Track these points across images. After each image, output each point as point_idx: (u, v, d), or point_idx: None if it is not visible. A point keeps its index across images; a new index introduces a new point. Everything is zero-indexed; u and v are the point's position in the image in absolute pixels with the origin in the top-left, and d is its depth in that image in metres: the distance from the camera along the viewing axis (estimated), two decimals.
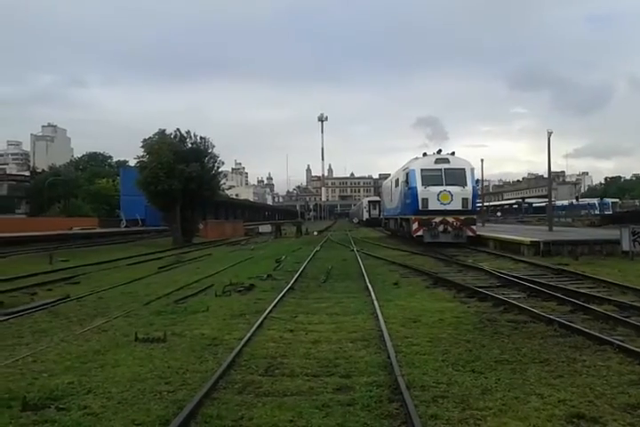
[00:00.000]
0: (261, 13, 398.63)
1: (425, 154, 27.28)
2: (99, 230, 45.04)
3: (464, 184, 24.50)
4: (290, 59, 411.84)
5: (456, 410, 4.64)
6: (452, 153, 26.14)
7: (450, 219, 23.83)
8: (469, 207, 24.43)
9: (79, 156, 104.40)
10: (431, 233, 23.84)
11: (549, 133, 27.78)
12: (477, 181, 29.19)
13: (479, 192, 36.34)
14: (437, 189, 24.23)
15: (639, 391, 4.96)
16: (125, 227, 52.65)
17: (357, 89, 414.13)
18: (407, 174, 26.19)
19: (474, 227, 24.41)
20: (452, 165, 25.11)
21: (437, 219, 23.89)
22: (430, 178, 24.55)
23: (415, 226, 24.36)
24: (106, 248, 29.66)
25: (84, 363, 6.20)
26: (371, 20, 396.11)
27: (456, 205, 23.99)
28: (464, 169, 25.03)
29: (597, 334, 6.87)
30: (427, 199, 24.18)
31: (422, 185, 24.50)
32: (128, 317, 9.04)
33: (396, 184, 30.78)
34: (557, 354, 6.24)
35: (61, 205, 63.36)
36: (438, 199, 24.07)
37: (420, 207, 24.28)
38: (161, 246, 29.36)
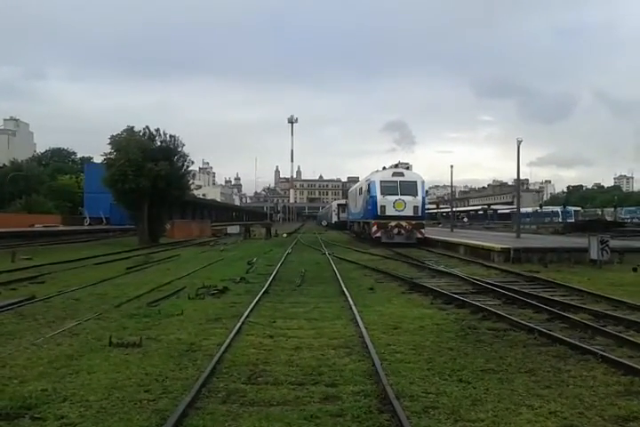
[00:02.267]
0: (234, 14, 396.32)
1: (384, 168, 33.12)
2: (62, 228, 43.88)
3: (415, 194, 29.08)
4: (261, 60, 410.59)
5: (448, 422, 4.55)
6: (407, 168, 32.21)
7: (403, 223, 28.21)
8: (419, 214, 28.98)
9: (42, 151, 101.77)
10: (387, 235, 28.09)
11: (519, 142, 28.04)
12: (427, 191, 33.34)
13: (427, 201, 41.34)
14: (393, 197, 28.62)
15: (628, 403, 4.97)
16: (89, 225, 51.44)
17: (328, 92, 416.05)
18: (369, 185, 30.56)
19: (423, 230, 28.87)
20: (406, 178, 29.98)
21: (393, 223, 28.20)
22: (388, 188, 28.97)
23: (374, 229, 28.56)
24: (70, 247, 28.92)
25: (57, 369, 5.91)
26: (343, 25, 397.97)
27: (408, 211, 28.49)
28: (416, 182, 29.71)
29: (579, 343, 6.89)
30: (384, 206, 28.56)
31: (381, 194, 28.86)
32: (99, 319, 8.72)
33: (360, 192, 34.92)
34: (542, 364, 6.23)
35: (23, 201, 61.49)
36: (394, 206, 28.44)
37: (379, 213, 28.63)
38: (127, 246, 28.73)
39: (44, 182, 70.53)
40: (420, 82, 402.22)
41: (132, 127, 33.05)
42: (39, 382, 5.41)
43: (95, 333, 7.69)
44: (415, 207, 28.64)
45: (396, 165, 33.87)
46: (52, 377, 5.61)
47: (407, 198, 28.67)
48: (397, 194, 28.73)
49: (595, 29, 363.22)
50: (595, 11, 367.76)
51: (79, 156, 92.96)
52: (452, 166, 43.31)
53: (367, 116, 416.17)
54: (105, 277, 14.21)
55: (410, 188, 29.07)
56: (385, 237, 28.09)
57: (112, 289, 12.29)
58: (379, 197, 28.79)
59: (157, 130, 34.21)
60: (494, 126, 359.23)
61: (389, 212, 28.43)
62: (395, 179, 29.52)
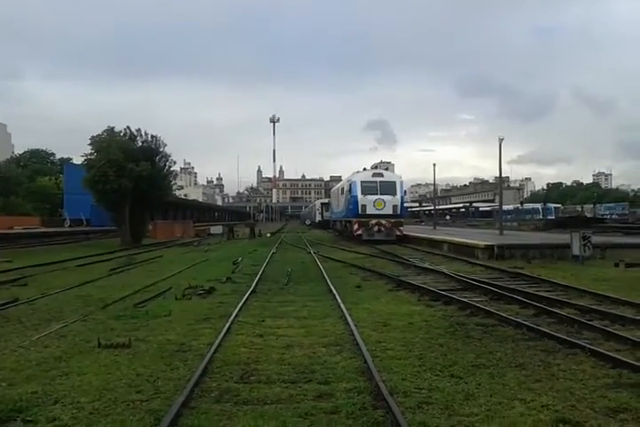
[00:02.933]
0: (216, 13, 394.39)
1: (365, 169, 34.66)
2: (42, 230, 43.25)
3: (394, 194, 30.32)
4: (243, 59, 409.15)
5: (443, 416, 4.58)
6: (387, 168, 34.72)
7: (383, 221, 29.46)
8: (398, 212, 30.23)
9: (20, 152, 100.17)
10: (368, 232, 29.36)
11: (500, 140, 28.30)
12: (405, 191, 35.51)
13: (407, 200, 45.35)
14: (373, 197, 29.80)
15: (617, 395, 5.04)
16: (69, 227, 50.77)
17: (310, 92, 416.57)
18: (350, 185, 31.78)
19: (401, 228, 30.16)
20: (386, 178, 31.47)
21: (373, 221, 29.46)
22: (368, 188, 30.18)
23: (356, 227, 29.96)
24: (51, 249, 28.50)
25: (46, 371, 5.84)
26: (325, 26, 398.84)
27: (388, 210, 29.68)
28: (395, 182, 31.17)
29: (567, 337, 6.98)
30: (365, 205, 29.77)
31: (362, 194, 30.05)
32: (85, 321, 8.63)
33: (342, 192, 35.97)
34: (531, 358, 6.30)
35: (1, 204, 60.51)
36: (374, 206, 29.64)
37: (360, 212, 29.87)
38: (109, 247, 28.43)
39: (23, 184, 69.44)
40: (401, 81, 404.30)
41: (113, 128, 32.65)
42: (29, 385, 5.34)
43: (82, 334, 7.60)
44: (394, 206, 29.90)
45: (376, 167, 36.97)
46: (41, 379, 5.53)
47: (387, 198, 29.88)
48: (377, 193, 30.00)
49: (572, 28, 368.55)
50: (572, 10, 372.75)
51: (58, 157, 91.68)
52: (434, 165, 43.52)
53: (349, 115, 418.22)
54: (88, 279, 14.04)
55: (389, 188, 30.38)
56: (366, 234, 29.30)
57: (96, 291, 12.14)
58: (359, 196, 30.03)
59: (138, 130, 33.83)
60: (475, 125, 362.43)
61: (370, 210, 29.65)
62: (375, 179, 30.89)
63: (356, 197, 30.20)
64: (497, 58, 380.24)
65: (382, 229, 29.33)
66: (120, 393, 5.13)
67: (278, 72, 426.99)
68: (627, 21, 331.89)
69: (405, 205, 37.11)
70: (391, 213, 29.75)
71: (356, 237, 29.85)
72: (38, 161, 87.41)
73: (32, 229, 42.86)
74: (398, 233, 29.56)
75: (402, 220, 31.03)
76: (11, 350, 6.68)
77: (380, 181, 30.55)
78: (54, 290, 12.06)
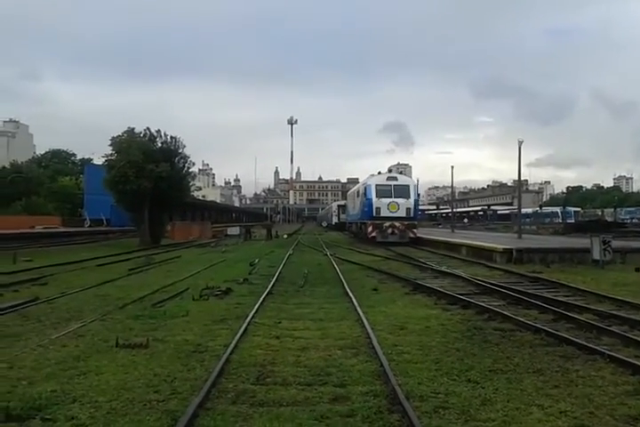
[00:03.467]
0: (232, 15, 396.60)
1: (380, 172, 35.86)
2: (62, 230, 43.82)
3: (408, 197, 31.10)
4: (261, 62, 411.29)
5: (459, 422, 4.56)
6: (401, 172, 36.75)
7: (397, 224, 30.26)
8: (412, 215, 30.97)
9: (42, 153, 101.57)
10: (382, 234, 30.08)
11: (520, 142, 28.05)
12: (419, 194, 35.27)
13: (422, 202, 47.97)
14: (388, 200, 30.69)
15: (638, 402, 4.97)
16: (89, 227, 51.38)
17: (328, 94, 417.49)
18: (365, 188, 32.77)
19: (415, 230, 30.84)
20: (400, 182, 32.24)
21: (387, 223, 30.25)
22: (383, 192, 31.08)
23: (370, 229, 30.64)
24: (71, 248, 28.86)
25: (65, 370, 5.90)
26: (342, 27, 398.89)
27: (402, 213, 30.51)
28: (408, 185, 31.99)
29: (586, 343, 6.90)
30: (379, 208, 30.63)
31: (376, 197, 31.00)
32: (104, 321, 8.72)
33: (357, 195, 37.00)
34: (549, 364, 6.23)
35: (23, 203, 61.41)
36: (388, 208, 30.48)
37: (374, 214, 30.75)
38: (128, 247, 28.71)
39: (44, 184, 70.38)
40: (418, 83, 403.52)
41: (133, 128, 33.00)
42: (48, 384, 5.41)
43: (101, 334, 7.68)
44: (408, 209, 30.69)
45: (390, 171, 38.16)
46: (60, 378, 5.60)
47: (400, 201, 30.69)
48: (391, 197, 30.85)
49: (592, 30, 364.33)
50: (591, 11, 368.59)
51: (79, 157, 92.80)
52: (452, 167, 43.41)
53: (366, 117, 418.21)
54: (107, 279, 14.19)
55: (403, 191, 31.22)
56: (380, 236, 30.10)
57: (115, 290, 12.27)
58: (374, 199, 30.97)
59: (158, 131, 34.13)
60: (493, 127, 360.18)
61: (384, 213, 30.49)
62: (389, 183, 31.78)
63: (370, 199, 31.14)
64: (514, 59, 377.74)
65: (396, 231, 30.10)
66: (137, 393, 5.18)
67: (294, 74, 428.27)
68: None
69: (420, 207, 38.72)
70: (405, 215, 30.54)
71: (370, 239, 30.54)
72: (59, 161, 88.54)
73: (52, 228, 43.41)
74: (412, 235, 30.26)
75: (415, 222, 31.66)
76: (30, 349, 6.77)
77: (395, 185, 31.45)
78: (74, 289, 12.21)
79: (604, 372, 5.90)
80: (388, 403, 4.98)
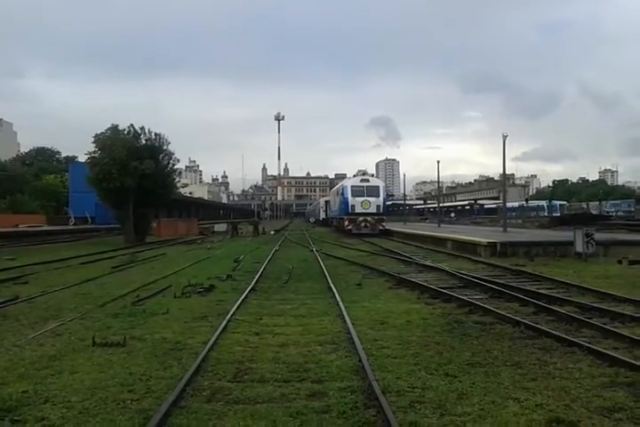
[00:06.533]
0: (221, 12, 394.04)
1: (355, 175, 45.45)
2: (47, 228, 43.40)
3: (378, 196, 36.85)
4: (248, 58, 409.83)
5: (434, 416, 4.54)
6: (372, 175, 38.82)
7: (369, 218, 35.96)
8: (381, 211, 36.82)
9: (26, 151, 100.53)
10: (357, 227, 35.80)
11: (504, 137, 28.25)
12: (387, 195, 41.85)
13: (388, 201, 51.64)
14: (361, 199, 36.37)
15: (613, 394, 4.98)
16: (74, 225, 50.91)
17: (314, 89, 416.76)
18: (343, 189, 38.79)
19: (384, 224, 36.60)
20: (371, 183, 38.45)
21: (360, 218, 35.92)
22: (357, 191, 36.79)
23: (347, 223, 36.59)
24: (55, 247, 28.58)
25: (39, 370, 5.82)
26: (328, 24, 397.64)
27: (373, 209, 36.18)
28: (379, 186, 38.11)
29: (565, 335, 6.91)
30: (354, 205, 36.30)
31: (352, 196, 36.62)
32: (83, 319, 8.62)
33: (337, 194, 42.74)
34: (528, 356, 6.24)
35: (7, 202, 60.75)
36: (361, 206, 36.11)
37: (350, 211, 36.44)
38: (113, 245, 28.44)
39: (29, 182, 69.69)
40: (405, 78, 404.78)
41: (117, 126, 32.63)
42: (20, 384, 5.32)
43: (78, 333, 7.59)
44: (378, 206, 36.38)
45: (364, 174, 45.25)
46: (33, 379, 5.52)
47: (372, 199, 36.29)
48: (364, 196, 36.47)
49: (578, 25, 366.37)
50: (578, 6, 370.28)
51: (63, 155, 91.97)
52: (438, 162, 43.62)
53: (353, 112, 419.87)
54: (89, 277, 14.05)
55: (374, 191, 36.95)
56: (354, 229, 35.77)
57: (96, 289, 12.15)
58: (350, 198, 36.64)
59: (142, 128, 33.78)
60: (480, 122, 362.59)
61: (358, 210, 36.10)
62: (362, 184, 37.79)
63: (347, 198, 36.87)
64: (503, 54, 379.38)
65: (368, 224, 35.80)
66: (111, 392, 5.11)
67: (281, 70, 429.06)
68: (634, 17, 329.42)
69: (387, 203, 45.27)
70: (375, 211, 36.19)
71: (347, 231, 36.13)
72: (44, 159, 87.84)
73: (36, 227, 42.97)
74: (381, 228, 36.00)
75: (384, 217, 37.47)
76: (5, 349, 6.68)
77: (367, 186, 37.34)
78: (55, 288, 12.08)
79: (581, 364, 5.91)
80: (364, 398, 4.96)
